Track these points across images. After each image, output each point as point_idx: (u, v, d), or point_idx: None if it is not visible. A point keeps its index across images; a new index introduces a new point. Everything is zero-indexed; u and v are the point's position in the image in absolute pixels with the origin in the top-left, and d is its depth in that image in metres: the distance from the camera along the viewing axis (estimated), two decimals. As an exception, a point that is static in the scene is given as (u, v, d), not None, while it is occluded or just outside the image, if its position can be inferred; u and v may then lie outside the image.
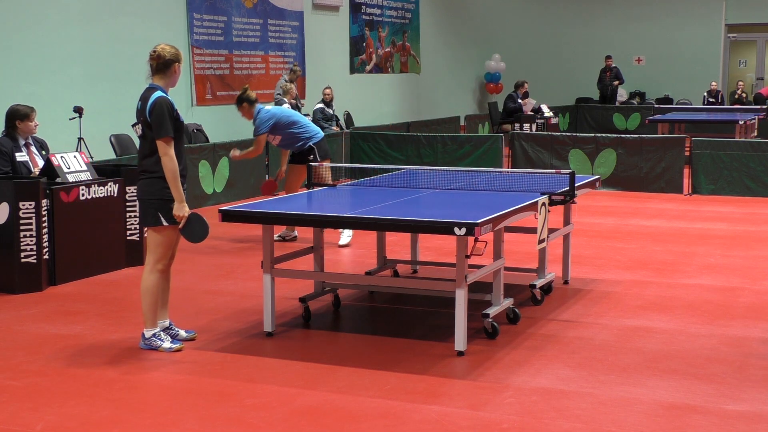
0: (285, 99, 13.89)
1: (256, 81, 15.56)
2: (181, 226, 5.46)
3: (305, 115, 14.77)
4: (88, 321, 6.28)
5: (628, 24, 24.08)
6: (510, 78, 22.30)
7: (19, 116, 7.65)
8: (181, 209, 5.42)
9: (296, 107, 13.97)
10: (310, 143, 8.89)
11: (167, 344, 5.50)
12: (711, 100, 21.35)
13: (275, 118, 8.80)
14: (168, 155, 5.36)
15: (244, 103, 8.78)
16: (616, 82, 22.19)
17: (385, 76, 19.89)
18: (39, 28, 11.63)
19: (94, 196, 7.64)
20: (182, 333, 5.75)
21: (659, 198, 12.08)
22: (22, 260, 7.03)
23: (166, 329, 5.71)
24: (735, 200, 11.85)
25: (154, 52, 5.50)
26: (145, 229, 5.62)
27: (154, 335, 5.54)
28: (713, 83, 21.82)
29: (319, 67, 17.19)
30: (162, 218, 5.43)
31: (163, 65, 5.48)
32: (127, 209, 7.88)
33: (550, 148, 13.28)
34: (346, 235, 8.82)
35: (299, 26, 16.66)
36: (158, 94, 5.43)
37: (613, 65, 22.20)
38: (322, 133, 9.08)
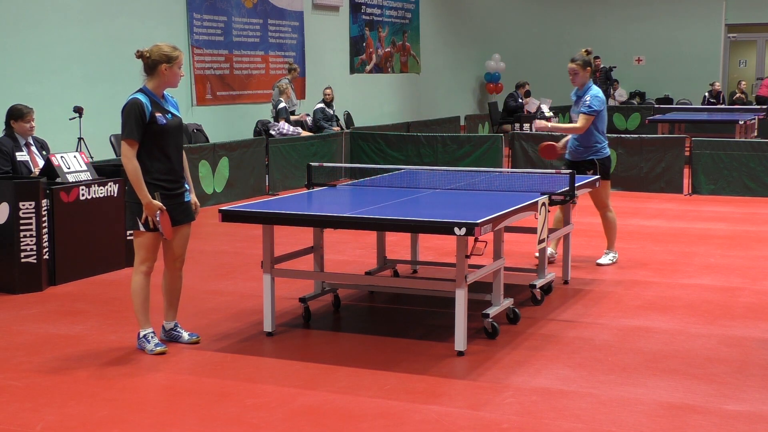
0: (282, 99, 13.88)
1: (256, 81, 15.57)
2: (156, 226, 5.36)
3: (305, 115, 14.83)
4: (88, 321, 6.28)
5: (628, 24, 24.08)
6: (510, 78, 22.32)
7: (14, 116, 7.66)
8: (149, 210, 5.31)
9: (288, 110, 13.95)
10: (593, 157, 7.76)
11: (151, 346, 5.48)
12: (712, 100, 21.30)
13: (604, 106, 7.74)
14: (126, 157, 5.28)
15: (588, 66, 7.72)
16: (615, 84, 22.17)
17: (385, 76, 19.89)
18: (39, 28, 11.63)
19: (94, 196, 7.64)
20: (185, 336, 5.72)
21: (659, 198, 12.07)
22: (22, 260, 7.03)
23: (170, 330, 5.72)
24: (735, 200, 11.85)
25: (138, 51, 5.42)
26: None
27: (144, 336, 5.53)
28: (716, 84, 21.77)
29: (319, 67, 17.19)
30: (139, 222, 5.39)
31: (148, 66, 5.39)
32: (127, 209, 7.88)
33: (550, 148, 13.26)
34: (609, 257, 8.03)
35: (299, 26, 16.66)
36: (132, 96, 5.36)
37: (603, 66, 22.19)
38: (609, 151, 7.91)
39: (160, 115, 5.37)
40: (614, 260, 8.05)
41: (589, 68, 7.71)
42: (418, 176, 7.69)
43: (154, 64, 5.36)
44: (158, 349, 5.46)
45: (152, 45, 5.46)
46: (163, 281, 5.70)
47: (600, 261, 8.02)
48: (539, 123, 7.94)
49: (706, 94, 21.54)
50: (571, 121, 7.90)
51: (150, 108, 5.33)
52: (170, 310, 5.73)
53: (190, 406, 4.68)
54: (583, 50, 7.86)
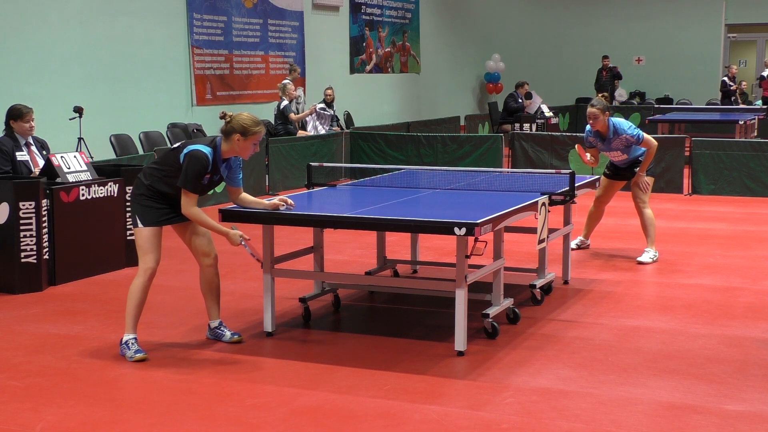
0: (284, 98, 13.88)
1: (256, 81, 15.57)
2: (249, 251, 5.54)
3: (314, 106, 14.79)
4: (88, 321, 6.28)
5: (628, 24, 24.09)
6: (510, 78, 22.31)
7: (13, 115, 7.65)
8: (232, 239, 5.43)
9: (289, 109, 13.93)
10: (642, 157, 8.11)
11: (131, 353, 5.40)
12: (730, 84, 21.06)
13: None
14: (186, 207, 5.32)
15: (607, 111, 7.91)
16: (617, 81, 22.16)
17: (385, 76, 19.89)
18: (39, 28, 11.63)
19: (94, 196, 7.63)
20: (227, 335, 5.72)
21: (659, 198, 12.05)
22: (22, 260, 7.02)
23: (215, 328, 5.74)
24: (735, 200, 11.85)
25: (222, 112, 5.50)
26: None
27: (126, 342, 5.45)
28: (733, 67, 21.62)
29: (319, 67, 17.19)
30: (138, 220, 5.41)
31: (225, 130, 5.37)
32: (127, 209, 7.87)
33: (550, 148, 13.28)
34: (650, 255, 8.08)
35: (299, 26, 16.67)
36: (203, 149, 5.32)
37: (611, 65, 22.20)
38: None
39: (209, 176, 5.39)
40: (655, 258, 8.07)
41: (607, 113, 7.91)
42: (418, 176, 7.69)
43: (231, 130, 5.35)
44: (137, 356, 5.37)
45: (239, 113, 5.45)
46: (200, 281, 5.72)
47: (641, 259, 8.05)
48: (642, 181, 8.11)
49: (725, 78, 21.27)
50: (598, 155, 8.28)
51: (209, 169, 5.35)
52: (212, 309, 5.75)
53: (190, 406, 4.68)
54: (600, 95, 8.33)
